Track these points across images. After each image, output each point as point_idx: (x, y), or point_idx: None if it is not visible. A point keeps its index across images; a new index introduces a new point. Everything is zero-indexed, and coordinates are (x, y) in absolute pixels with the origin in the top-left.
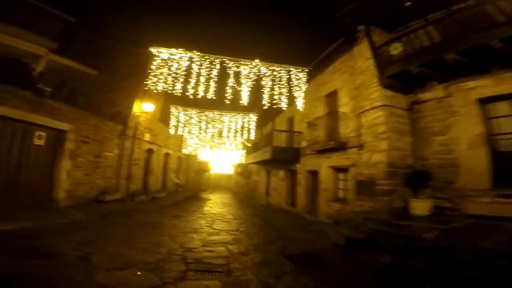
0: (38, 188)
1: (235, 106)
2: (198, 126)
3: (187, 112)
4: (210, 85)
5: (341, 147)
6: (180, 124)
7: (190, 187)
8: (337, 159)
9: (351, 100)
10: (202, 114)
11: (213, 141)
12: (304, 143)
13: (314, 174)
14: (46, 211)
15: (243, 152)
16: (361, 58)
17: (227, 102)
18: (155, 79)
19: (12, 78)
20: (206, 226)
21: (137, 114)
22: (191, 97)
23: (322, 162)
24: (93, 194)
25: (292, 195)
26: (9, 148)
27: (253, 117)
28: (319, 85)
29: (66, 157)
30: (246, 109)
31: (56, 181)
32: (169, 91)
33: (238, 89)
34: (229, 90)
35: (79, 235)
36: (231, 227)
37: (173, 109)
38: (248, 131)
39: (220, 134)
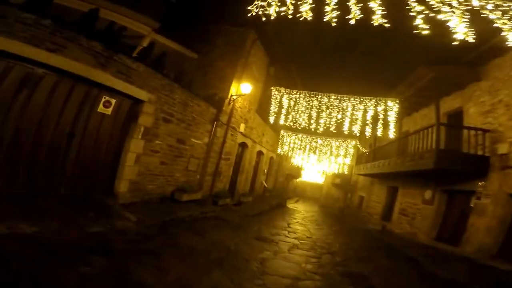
0: (94, 174)
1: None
2: (307, 114)
3: (292, 96)
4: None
5: None
6: (283, 111)
7: (277, 193)
8: None
9: None
10: (314, 98)
11: (316, 141)
12: (503, 148)
13: None
14: (89, 209)
15: (348, 160)
16: None
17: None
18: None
19: (77, 23)
20: (313, 272)
21: (233, 97)
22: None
23: None
24: (168, 190)
25: (447, 226)
26: (60, 111)
27: (391, 105)
28: None
29: (138, 135)
30: (381, 93)
31: (121, 167)
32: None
33: None
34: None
35: (89, 267)
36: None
37: (274, 92)
38: (385, 123)
39: (337, 126)
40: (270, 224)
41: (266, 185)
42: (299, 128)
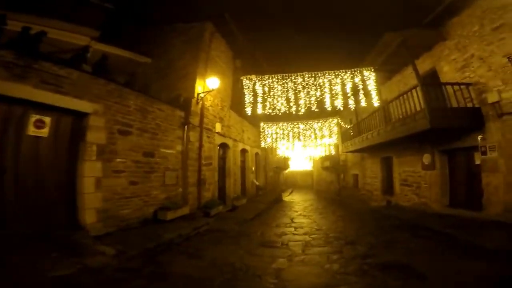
0: (47, 208)
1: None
2: (284, 97)
3: (265, 82)
4: None
5: None
6: (259, 100)
7: (270, 189)
8: None
9: None
10: (287, 80)
11: (298, 127)
12: (493, 97)
13: None
14: (52, 248)
15: (334, 140)
16: None
17: None
18: None
19: None
20: (343, 272)
21: (201, 95)
22: None
23: None
24: (149, 212)
25: (457, 189)
26: None
27: (367, 74)
28: None
29: (92, 156)
30: (355, 65)
31: (79, 195)
32: None
33: None
34: None
35: None
36: (410, 275)
37: (246, 82)
38: (365, 93)
39: (319, 105)
40: (273, 224)
41: (257, 183)
42: (280, 114)
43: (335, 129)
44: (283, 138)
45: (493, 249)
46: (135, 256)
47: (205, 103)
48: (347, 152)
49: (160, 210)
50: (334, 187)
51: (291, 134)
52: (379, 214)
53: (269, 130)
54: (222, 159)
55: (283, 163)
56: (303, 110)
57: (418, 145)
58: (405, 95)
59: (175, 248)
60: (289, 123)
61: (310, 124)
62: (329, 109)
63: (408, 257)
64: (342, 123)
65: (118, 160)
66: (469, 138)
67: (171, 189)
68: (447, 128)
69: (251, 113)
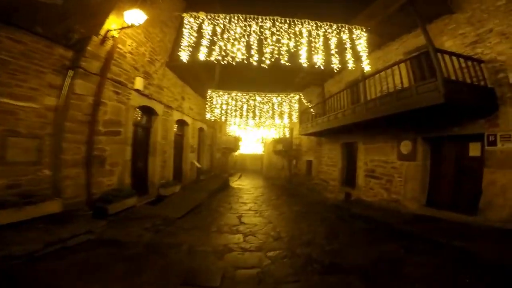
0: None
1: None
2: (243, 42)
3: (218, 21)
4: None
5: None
6: (204, 42)
7: (216, 173)
8: None
9: None
10: (252, 22)
11: (254, 99)
12: None
13: None
14: None
15: (294, 119)
16: None
17: None
18: None
19: None
20: None
21: (113, 33)
22: None
23: None
24: None
25: (440, 186)
26: None
27: (358, 34)
28: None
29: None
30: (341, 18)
31: None
32: None
33: None
34: None
35: None
36: None
37: (188, 20)
38: (355, 57)
39: (291, 59)
40: (212, 227)
41: (199, 165)
42: (234, 63)
43: (296, 106)
44: (235, 111)
45: None
46: None
47: (121, 47)
48: (305, 134)
49: None
50: (285, 174)
51: (245, 106)
52: (344, 211)
53: (218, 100)
54: (145, 129)
55: (234, 144)
56: (268, 62)
57: (394, 130)
58: (406, 61)
59: None
60: (244, 94)
61: (269, 97)
62: (305, 64)
63: None
64: (304, 101)
65: None
66: (471, 124)
67: (22, 171)
68: (462, 105)
69: (191, 59)
